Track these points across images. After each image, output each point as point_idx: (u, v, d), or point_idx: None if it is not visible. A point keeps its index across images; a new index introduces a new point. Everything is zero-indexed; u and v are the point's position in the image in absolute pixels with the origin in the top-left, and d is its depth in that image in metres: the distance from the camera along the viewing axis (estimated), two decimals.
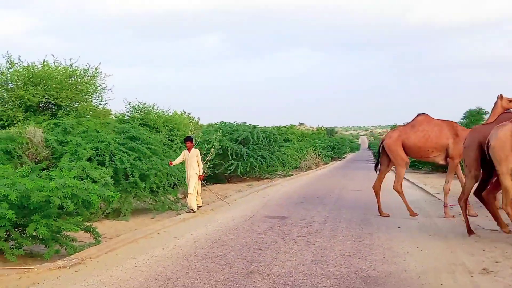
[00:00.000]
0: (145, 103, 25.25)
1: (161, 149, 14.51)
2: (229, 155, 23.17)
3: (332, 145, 56.55)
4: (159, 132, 20.96)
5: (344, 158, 64.42)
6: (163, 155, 14.38)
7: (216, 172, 22.93)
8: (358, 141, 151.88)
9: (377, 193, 12.77)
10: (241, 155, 23.61)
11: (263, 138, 25.13)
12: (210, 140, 20.79)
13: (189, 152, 12.97)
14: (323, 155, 43.21)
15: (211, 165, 21.03)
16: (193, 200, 12.78)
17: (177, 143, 18.68)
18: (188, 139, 13.29)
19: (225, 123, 27.31)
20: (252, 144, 24.52)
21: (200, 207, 13.32)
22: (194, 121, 32.42)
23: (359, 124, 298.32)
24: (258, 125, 27.60)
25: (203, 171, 13.86)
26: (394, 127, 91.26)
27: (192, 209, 12.66)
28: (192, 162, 12.84)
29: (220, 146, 21.29)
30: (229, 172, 23.46)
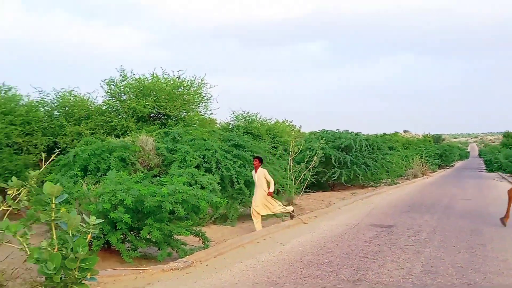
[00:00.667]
0: (248, 112, 25.82)
1: (265, 157, 14.72)
2: (333, 163, 23.02)
3: (439, 152, 54.43)
4: (262, 140, 21.30)
5: (452, 166, 61.73)
6: (267, 162, 14.57)
7: (320, 180, 22.87)
8: (467, 149, 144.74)
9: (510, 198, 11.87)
10: (345, 163, 23.39)
11: (366, 146, 24.74)
12: (312, 148, 20.74)
13: (255, 172, 11.90)
14: (429, 163, 41.71)
15: (314, 173, 21.01)
16: (257, 222, 11.62)
17: (279, 150, 18.82)
18: (256, 157, 12.23)
19: (327, 131, 27.20)
20: (355, 152, 24.23)
21: (293, 211, 12.83)
22: (295, 129, 32.63)
23: (468, 131, 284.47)
24: (360, 132, 27.21)
25: (275, 188, 13.42)
26: (507, 134, 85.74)
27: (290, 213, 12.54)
28: (262, 183, 11.73)
29: (323, 154, 21.23)
30: (332, 179, 23.33)
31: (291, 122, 31.49)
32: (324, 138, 23.50)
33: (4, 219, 6.31)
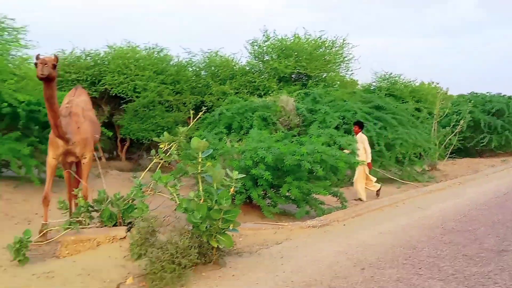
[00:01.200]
0: (391, 73, 24.99)
1: (407, 120, 14.28)
2: (482, 128, 21.67)
3: None
4: (405, 102, 20.61)
5: None
6: (410, 125, 14.14)
7: (467, 145, 21.73)
8: None
9: None
10: (495, 128, 21.88)
11: None
12: (459, 111, 19.67)
13: (355, 137, 11.37)
14: None
15: (461, 138, 20.01)
16: (361, 189, 11.39)
17: (423, 113, 18.11)
18: (356, 123, 11.79)
19: (477, 94, 25.54)
20: (507, 116, 22.53)
21: (378, 190, 11.54)
22: (442, 91, 31.10)
23: None
24: None
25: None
26: None
27: (360, 198, 11.23)
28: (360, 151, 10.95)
29: (471, 118, 20.09)
30: (481, 145, 21.98)
31: (437, 83, 30.01)
32: (472, 101, 22.17)
33: (156, 171, 6.90)
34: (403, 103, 19.56)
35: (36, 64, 6.24)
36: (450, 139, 17.07)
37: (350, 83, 22.55)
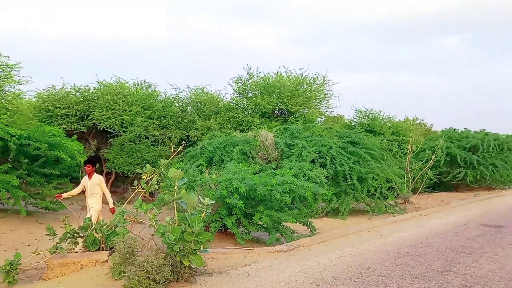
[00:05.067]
0: (371, 110, 25.95)
1: (380, 154, 15.08)
2: (458, 162, 22.48)
3: None
4: (383, 137, 21.46)
5: None
6: (382, 159, 14.94)
7: (444, 180, 22.49)
8: None
9: None
10: (471, 163, 22.69)
11: (495, 146, 23.77)
12: (433, 146, 20.54)
13: (89, 179, 9.23)
14: None
15: (437, 173, 20.80)
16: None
17: (395, 147, 18.98)
18: (88, 162, 9.45)
19: (455, 129, 26.47)
20: (482, 152, 23.39)
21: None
22: (426, 127, 32.08)
23: None
24: (490, 132, 26.14)
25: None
26: None
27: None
28: (93, 191, 9.17)
29: (446, 153, 20.93)
30: (457, 180, 22.73)
31: (422, 120, 31.07)
32: (449, 137, 23.03)
33: (137, 199, 7.58)
34: (377, 137, 20.37)
35: None
36: (423, 173, 17.84)
37: (335, 118, 23.48)
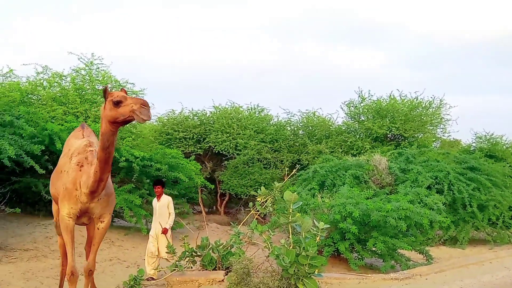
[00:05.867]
0: (492, 134, 24.59)
1: (502, 181, 14.25)
2: None
3: None
4: (505, 163, 20.24)
5: None
6: (504, 186, 14.11)
7: None
8: None
9: None
10: None
11: None
12: None
13: (158, 200, 9.11)
14: None
15: None
16: (148, 263, 8.99)
17: None
18: (158, 183, 9.29)
19: None
20: None
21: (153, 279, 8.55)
22: None
23: None
24: None
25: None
26: None
27: (150, 277, 8.59)
28: (163, 213, 9.07)
29: None
30: None
31: None
32: None
33: (252, 221, 7.77)
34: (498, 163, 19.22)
35: (117, 102, 5.09)
36: None
37: (452, 143, 22.54)
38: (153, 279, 8.42)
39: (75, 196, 5.64)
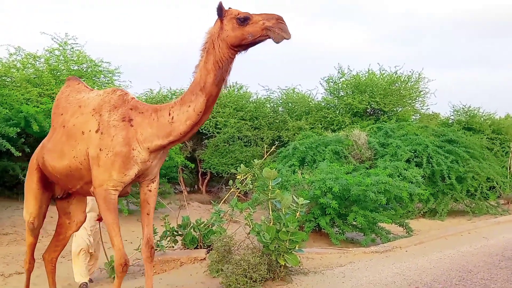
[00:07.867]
0: (469, 106, 24.80)
1: (479, 153, 14.42)
2: None
3: None
4: (483, 135, 20.48)
5: None
6: (482, 158, 14.28)
7: None
8: None
9: None
10: None
11: None
12: None
13: None
14: None
15: None
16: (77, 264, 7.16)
17: (498, 145, 18.03)
18: None
19: None
20: None
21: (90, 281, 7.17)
22: None
23: None
24: None
25: None
26: None
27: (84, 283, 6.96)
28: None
29: None
30: None
31: None
32: None
33: (233, 199, 7.77)
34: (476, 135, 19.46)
35: (244, 19, 4.11)
36: None
37: (431, 116, 22.68)
38: (91, 281, 7.18)
39: (132, 158, 4.42)
